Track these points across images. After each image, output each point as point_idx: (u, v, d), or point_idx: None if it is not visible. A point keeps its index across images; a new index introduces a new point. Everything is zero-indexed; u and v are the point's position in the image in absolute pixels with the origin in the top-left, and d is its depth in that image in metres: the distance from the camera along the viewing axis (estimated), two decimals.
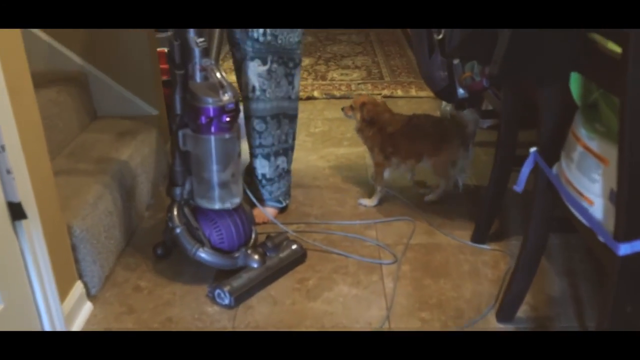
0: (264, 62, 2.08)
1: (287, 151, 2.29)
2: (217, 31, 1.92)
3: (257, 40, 2.05)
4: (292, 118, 2.25)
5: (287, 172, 2.32)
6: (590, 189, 1.27)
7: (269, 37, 2.05)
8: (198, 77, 1.78)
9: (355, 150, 2.95)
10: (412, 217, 2.33)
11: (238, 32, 2.09)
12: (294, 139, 2.30)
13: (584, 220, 1.30)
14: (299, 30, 2.10)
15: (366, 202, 2.43)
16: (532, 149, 1.59)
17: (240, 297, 1.81)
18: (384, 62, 4.35)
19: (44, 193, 1.56)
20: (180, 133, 1.81)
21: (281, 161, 2.27)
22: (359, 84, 3.86)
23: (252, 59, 2.08)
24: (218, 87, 1.73)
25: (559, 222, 1.64)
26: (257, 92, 2.12)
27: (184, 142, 1.82)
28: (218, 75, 1.75)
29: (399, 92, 3.65)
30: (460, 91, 2.00)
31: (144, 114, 2.57)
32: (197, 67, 1.77)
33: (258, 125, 2.17)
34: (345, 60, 4.41)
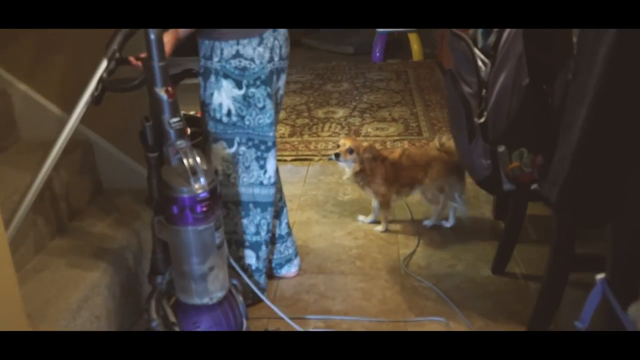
0: (230, 145, 1.85)
1: (256, 246, 2.00)
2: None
3: (219, 120, 1.82)
4: (265, 206, 1.98)
5: (257, 270, 2.05)
6: None
7: (234, 118, 1.81)
8: (173, 160, 1.59)
9: (395, 226, 2.63)
10: (447, 315, 2.00)
11: (202, 111, 1.85)
12: (268, 231, 2.02)
13: None
14: (270, 111, 1.84)
15: (370, 221, 2.64)
16: (600, 277, 1.25)
17: None
18: (423, 114, 4.04)
19: (4, 311, 1.30)
20: (155, 220, 1.63)
21: (247, 255, 1.99)
22: (395, 140, 3.56)
23: (216, 141, 1.85)
24: (190, 174, 1.53)
25: None
26: (220, 177, 1.90)
27: (160, 230, 1.63)
28: (191, 160, 1.55)
29: None
30: (507, 184, 1.67)
31: None
32: (172, 149, 1.58)
33: None
34: (382, 112, 4.12)
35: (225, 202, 1.91)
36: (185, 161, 1.57)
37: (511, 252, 2.23)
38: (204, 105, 1.83)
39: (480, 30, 1.71)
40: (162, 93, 1.59)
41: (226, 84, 1.78)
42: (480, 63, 1.64)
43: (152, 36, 1.56)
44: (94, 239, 2.01)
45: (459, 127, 1.72)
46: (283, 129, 3.85)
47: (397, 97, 4.44)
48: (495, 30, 1.60)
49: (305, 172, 3.22)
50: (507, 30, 1.56)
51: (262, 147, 1.88)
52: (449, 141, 2.55)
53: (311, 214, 2.75)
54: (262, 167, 1.91)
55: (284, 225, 2.17)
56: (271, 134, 1.88)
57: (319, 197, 2.93)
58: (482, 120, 1.62)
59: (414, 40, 5.49)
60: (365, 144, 2.50)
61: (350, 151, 2.46)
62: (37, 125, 2.26)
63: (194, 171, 1.55)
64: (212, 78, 1.79)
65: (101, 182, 2.37)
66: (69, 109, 2.24)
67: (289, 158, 3.38)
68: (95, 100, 1.69)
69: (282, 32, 1.86)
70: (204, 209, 1.56)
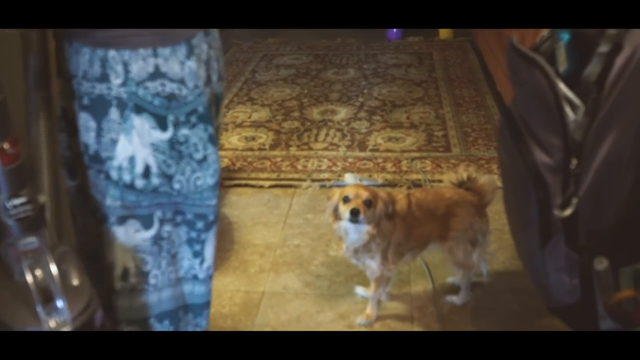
0: (147, 225, 1.27)
1: None
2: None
3: (130, 186, 1.22)
4: (200, 310, 1.42)
5: None
6: None
7: (155, 180, 1.23)
8: (16, 271, 1.08)
9: (402, 306, 2.04)
10: None
11: (91, 173, 1.25)
12: None
13: None
14: (214, 165, 1.28)
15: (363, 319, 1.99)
16: None
17: None
18: (452, 117, 3.42)
19: None
20: None
21: None
22: (413, 159, 2.95)
23: (123, 220, 1.25)
24: (38, 300, 1.02)
25: None
26: (132, 280, 1.30)
27: None
28: (42, 273, 1.04)
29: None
30: (607, 321, 1.07)
31: None
32: (12, 252, 1.07)
33: None
34: (398, 113, 3.51)
35: (143, 320, 1.35)
36: (30, 277, 1.03)
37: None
38: (97, 162, 1.23)
39: (563, 42, 1.09)
40: None
41: (140, 122, 1.18)
42: (567, 108, 1.02)
43: None
44: None
45: (523, 219, 1.12)
46: (264, 137, 3.25)
47: (418, 92, 3.83)
48: (602, 51, 0.98)
49: (287, 206, 2.63)
50: (624, 56, 0.94)
51: (200, 224, 1.31)
52: (478, 174, 2.05)
53: (289, 280, 2.17)
54: (199, 253, 1.34)
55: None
56: (214, 201, 1.31)
57: (303, 249, 2.34)
58: (569, 212, 1.01)
59: None
60: (382, 193, 1.87)
61: (369, 203, 1.80)
62: None
63: (47, 295, 1.02)
64: (114, 114, 1.18)
65: None
66: None
67: (267, 183, 2.79)
68: None
69: (216, 36, 1.27)
70: None
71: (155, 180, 1.22)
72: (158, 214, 1.27)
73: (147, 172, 1.21)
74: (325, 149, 3.11)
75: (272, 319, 1.98)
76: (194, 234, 1.32)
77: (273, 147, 3.15)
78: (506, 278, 2.14)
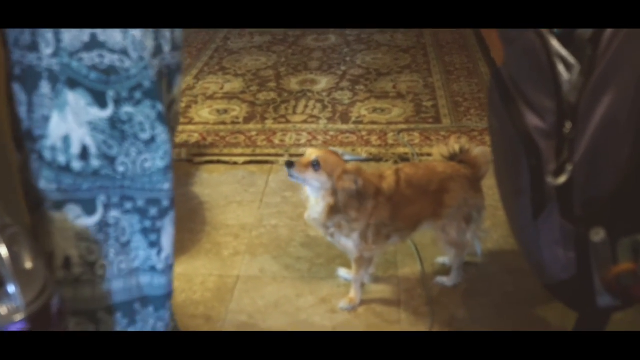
0: (89, 210, 1.26)
1: None
2: None
3: (65, 168, 1.20)
4: (162, 302, 1.42)
5: None
6: None
7: (95, 162, 1.21)
8: None
9: (389, 289, 2.05)
10: None
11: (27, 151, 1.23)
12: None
13: None
14: (164, 145, 1.26)
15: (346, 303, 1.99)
16: None
17: None
18: (442, 86, 3.44)
19: None
20: None
21: None
22: (400, 131, 2.95)
23: (60, 205, 1.24)
24: None
25: None
26: (76, 270, 1.29)
27: None
28: None
29: None
30: (605, 297, 1.09)
31: None
32: None
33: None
34: (383, 82, 3.52)
35: (90, 312, 1.34)
36: None
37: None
38: (29, 140, 1.22)
39: None
40: None
41: (75, 98, 1.16)
42: (561, 67, 1.03)
43: None
44: None
45: (514, 188, 1.14)
46: (238, 110, 3.24)
47: (405, 59, 3.86)
48: None
49: (263, 183, 2.62)
50: None
51: (153, 211, 1.29)
52: (471, 145, 2.05)
53: (266, 263, 2.17)
54: (155, 243, 1.33)
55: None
56: (167, 185, 1.29)
57: (281, 230, 2.34)
58: (563, 180, 1.03)
59: None
60: (349, 165, 1.87)
61: (316, 165, 1.81)
62: None
63: None
64: (45, 88, 1.16)
65: None
66: None
67: (241, 160, 2.78)
68: None
69: None
70: None
71: (95, 162, 1.21)
72: (102, 198, 1.25)
73: (85, 153, 1.19)
74: (305, 121, 3.11)
75: (247, 305, 1.98)
76: (147, 223, 1.30)
77: (247, 120, 3.14)
78: (500, 257, 2.15)
